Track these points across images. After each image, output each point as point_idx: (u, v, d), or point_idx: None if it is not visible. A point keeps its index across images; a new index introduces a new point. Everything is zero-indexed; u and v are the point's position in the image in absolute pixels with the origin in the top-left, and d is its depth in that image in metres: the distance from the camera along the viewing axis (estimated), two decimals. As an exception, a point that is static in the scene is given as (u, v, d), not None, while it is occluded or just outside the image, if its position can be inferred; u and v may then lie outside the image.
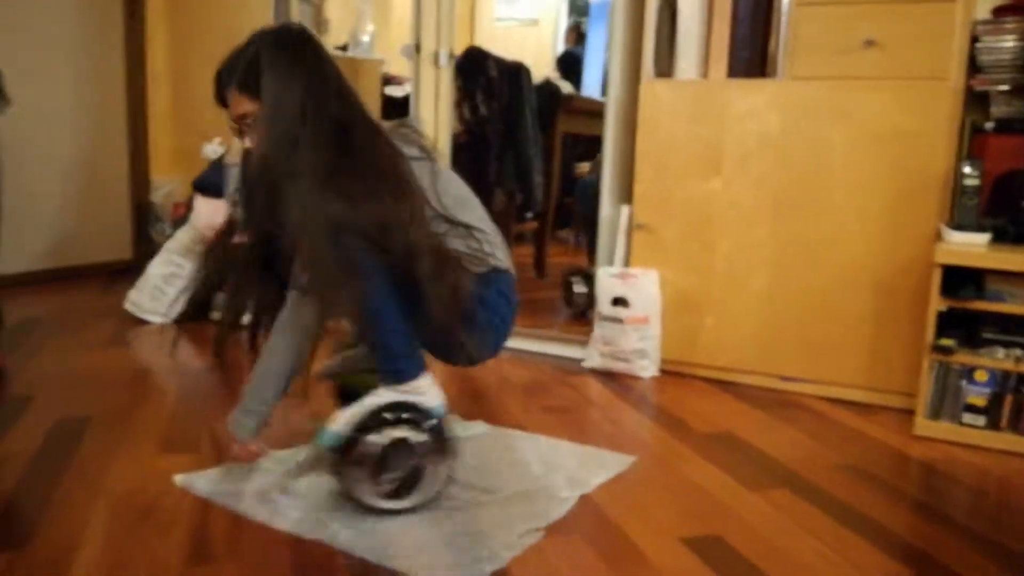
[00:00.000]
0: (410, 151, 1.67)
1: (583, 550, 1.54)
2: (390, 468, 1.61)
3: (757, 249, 2.58)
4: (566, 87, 4.56)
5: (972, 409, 2.18)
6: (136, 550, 1.47)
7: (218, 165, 3.42)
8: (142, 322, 3.19)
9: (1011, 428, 2.15)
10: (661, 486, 1.86)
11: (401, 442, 1.60)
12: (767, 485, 1.87)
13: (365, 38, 4.99)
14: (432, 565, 1.45)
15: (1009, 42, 2.35)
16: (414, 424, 1.62)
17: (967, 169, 2.27)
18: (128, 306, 3.25)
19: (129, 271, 3.83)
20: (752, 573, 1.48)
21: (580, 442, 2.08)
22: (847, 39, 2.38)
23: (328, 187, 1.54)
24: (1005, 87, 2.39)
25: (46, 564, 1.42)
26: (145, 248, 4.14)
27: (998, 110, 2.43)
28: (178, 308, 3.21)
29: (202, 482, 1.76)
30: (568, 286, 3.49)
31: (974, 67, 2.40)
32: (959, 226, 2.25)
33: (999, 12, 2.40)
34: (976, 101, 2.45)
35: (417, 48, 3.11)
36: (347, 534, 1.55)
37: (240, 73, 1.63)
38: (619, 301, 2.72)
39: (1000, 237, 2.25)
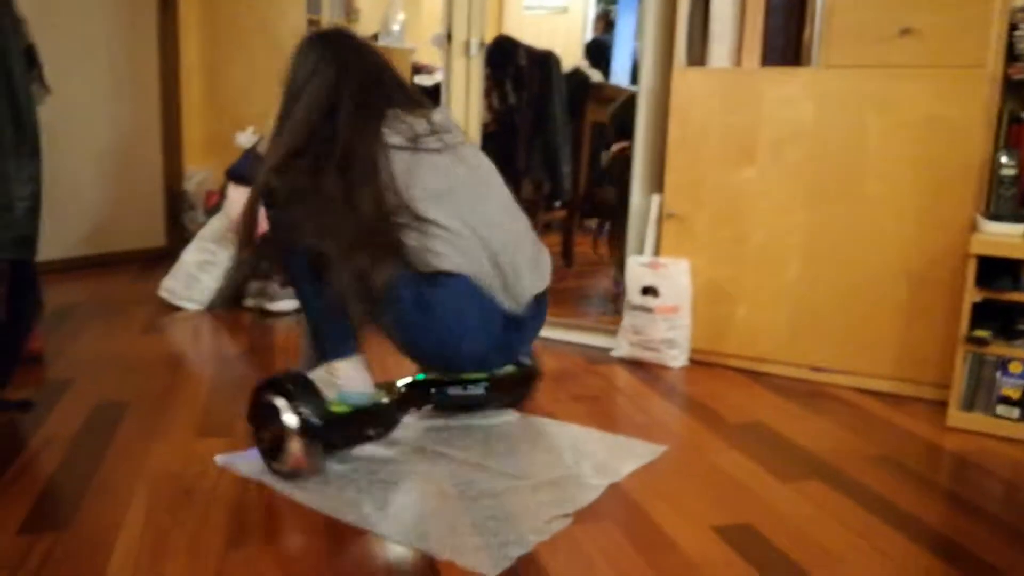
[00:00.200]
0: (392, 140, 1.74)
1: (614, 536, 1.55)
2: (262, 427, 1.75)
3: (790, 239, 2.56)
4: (595, 75, 4.54)
5: (1006, 401, 2.16)
6: (176, 531, 1.51)
7: (251, 153, 3.45)
8: (176, 308, 3.24)
9: (1046, 421, 2.13)
10: (692, 475, 1.86)
11: (272, 407, 1.70)
12: (798, 475, 1.87)
13: (396, 27, 5.01)
14: (461, 547, 1.47)
15: (1049, 30, 2.31)
16: (290, 398, 1.69)
17: (1004, 159, 2.24)
18: (162, 293, 3.30)
19: (163, 258, 3.90)
20: (783, 562, 1.48)
21: (610, 431, 2.09)
22: (883, 27, 2.36)
23: (290, 159, 1.77)
24: (1044, 75, 2.35)
25: (89, 544, 1.45)
26: (178, 236, 4.20)
27: (1036, 99, 2.40)
28: (212, 295, 3.26)
29: (241, 462, 1.80)
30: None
31: (1012, 55, 2.36)
32: (995, 216, 2.22)
33: (1039, -1, 2.36)
34: (1014, 90, 2.41)
35: (448, 37, 3.12)
36: (379, 516, 1.58)
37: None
38: (649, 290, 2.72)
39: (1037, 227, 2.22)
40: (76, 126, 3.85)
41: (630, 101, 3.48)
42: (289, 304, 3.15)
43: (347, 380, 1.78)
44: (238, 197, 3.34)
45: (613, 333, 2.85)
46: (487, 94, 3.80)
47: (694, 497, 1.74)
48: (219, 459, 1.82)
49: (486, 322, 1.76)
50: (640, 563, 1.46)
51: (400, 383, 2.00)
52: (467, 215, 1.75)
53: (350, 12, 6.23)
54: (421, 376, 2.03)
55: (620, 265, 3.70)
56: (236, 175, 3.41)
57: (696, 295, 2.71)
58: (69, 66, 3.71)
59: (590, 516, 1.63)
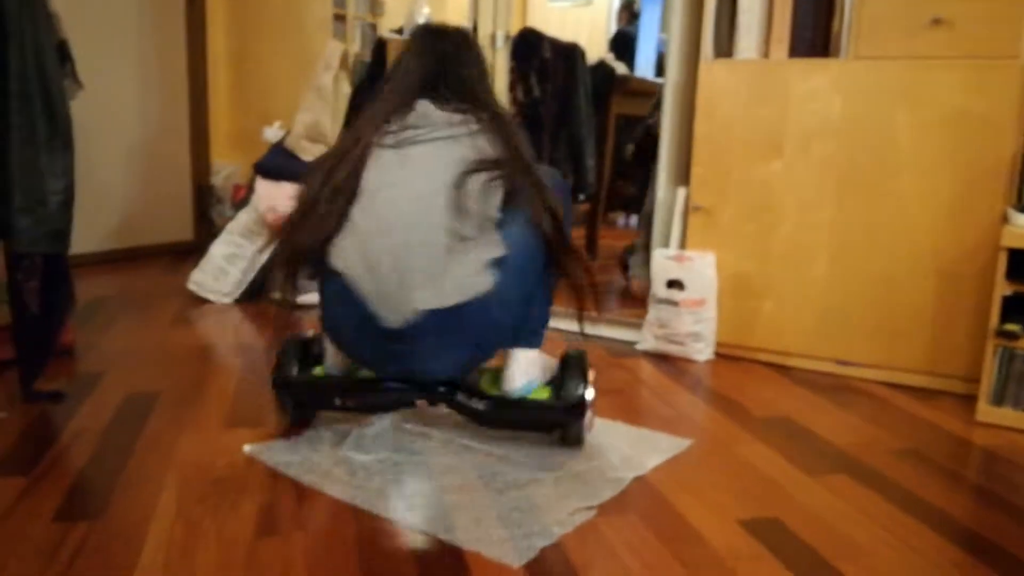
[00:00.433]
0: (357, 135, 1.86)
1: (639, 529, 1.55)
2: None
3: (818, 232, 2.55)
4: (620, 68, 4.53)
5: (1038, 396, 2.14)
6: (207, 521, 1.53)
7: (278, 148, 3.48)
8: (205, 301, 3.27)
9: (1079, 416, 2.10)
10: (718, 469, 1.86)
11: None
12: (826, 469, 1.86)
13: (421, 20, 5.01)
14: (486, 539, 1.48)
15: (1084, 19, 2.27)
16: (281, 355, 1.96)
17: (1037, 150, 2.21)
18: (191, 286, 3.34)
19: (191, 252, 3.94)
20: (811, 556, 1.48)
21: (635, 424, 2.09)
22: (914, 17, 2.33)
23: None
24: (1078, 65, 2.31)
25: (122, 533, 1.48)
26: (206, 230, 4.25)
27: (1071, 89, 2.35)
28: (240, 288, 3.29)
29: (270, 452, 1.82)
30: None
31: (1046, 45, 2.33)
32: (1027, 209, 2.20)
33: (1073, -12, 2.32)
34: (1047, 80, 2.38)
35: (474, 30, 3.12)
36: (406, 507, 1.59)
37: None
38: (674, 283, 2.71)
39: (1071, 220, 2.19)
40: (106, 121, 3.90)
41: (649, 130, 3.55)
42: (316, 296, 3.16)
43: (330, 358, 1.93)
44: (266, 191, 3.37)
45: (638, 327, 2.85)
46: (512, 87, 3.80)
47: (720, 490, 1.74)
48: (248, 449, 1.84)
49: (359, 327, 1.74)
50: (666, 555, 1.46)
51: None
52: (370, 217, 1.75)
53: (375, 5, 6.26)
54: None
55: (624, 264, 3.71)
56: (263, 169, 3.44)
57: (722, 288, 2.70)
58: (99, 62, 3.76)
59: (615, 509, 1.63)
